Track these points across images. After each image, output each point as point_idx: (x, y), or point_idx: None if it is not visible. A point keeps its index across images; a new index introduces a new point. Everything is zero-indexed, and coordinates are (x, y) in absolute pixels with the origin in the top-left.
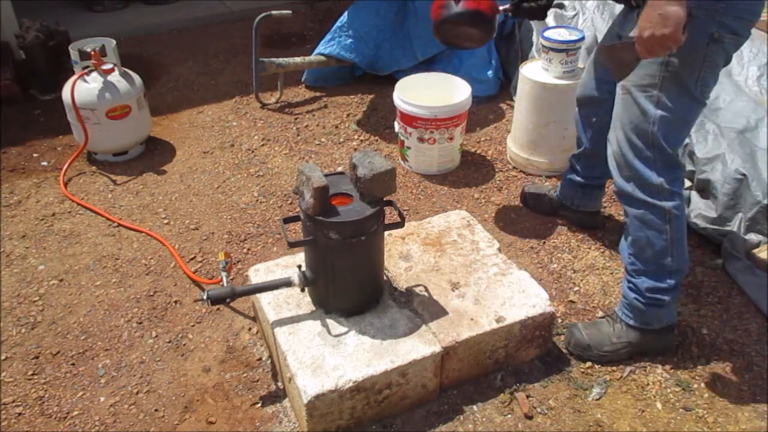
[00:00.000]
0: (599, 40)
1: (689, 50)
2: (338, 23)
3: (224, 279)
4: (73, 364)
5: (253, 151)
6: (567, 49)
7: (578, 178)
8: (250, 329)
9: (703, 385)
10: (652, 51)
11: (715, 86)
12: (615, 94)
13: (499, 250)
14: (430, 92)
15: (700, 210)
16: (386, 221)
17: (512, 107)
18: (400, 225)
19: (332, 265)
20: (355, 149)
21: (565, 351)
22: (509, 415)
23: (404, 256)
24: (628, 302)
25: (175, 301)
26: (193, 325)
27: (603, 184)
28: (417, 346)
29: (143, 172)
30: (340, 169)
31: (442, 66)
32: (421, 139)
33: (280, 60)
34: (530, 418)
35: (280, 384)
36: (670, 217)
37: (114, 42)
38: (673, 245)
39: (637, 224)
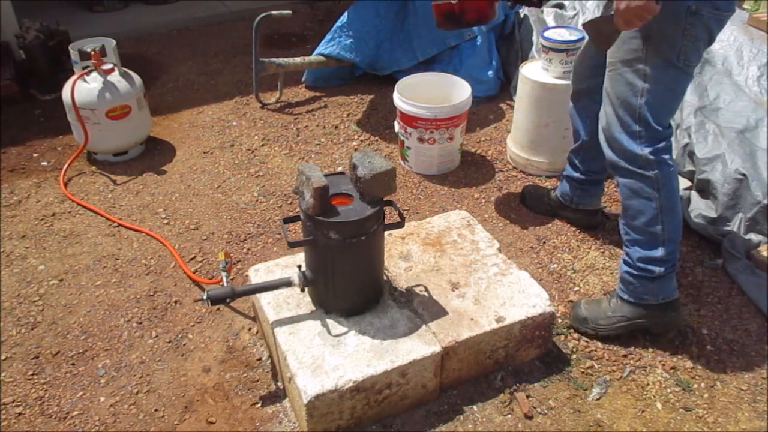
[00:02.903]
0: None
1: (668, 23)
2: (338, 23)
3: (224, 279)
4: (73, 364)
5: (253, 151)
6: (567, 49)
7: (577, 174)
8: (250, 329)
9: (703, 385)
10: (630, 22)
11: (699, 61)
12: None
13: (499, 250)
14: (430, 92)
15: (700, 210)
16: (386, 221)
17: (512, 107)
18: (400, 225)
19: (332, 265)
20: (355, 149)
21: (565, 351)
22: (509, 415)
23: (404, 256)
24: (622, 276)
25: (175, 301)
26: (193, 325)
27: (602, 179)
28: (417, 346)
29: (143, 172)
30: (340, 169)
31: (442, 66)
32: (421, 139)
33: (280, 60)
34: (530, 418)
35: (280, 384)
36: (659, 185)
37: (114, 42)
38: (663, 212)
39: (627, 192)
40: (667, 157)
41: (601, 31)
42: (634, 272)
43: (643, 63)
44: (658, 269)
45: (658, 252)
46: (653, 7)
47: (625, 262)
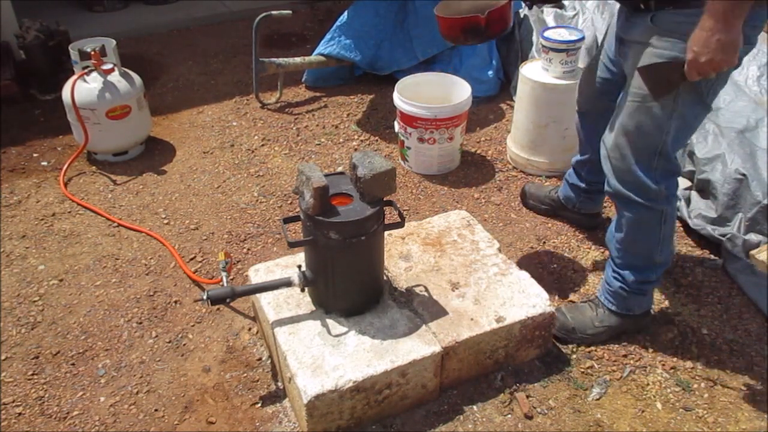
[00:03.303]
0: (600, 41)
1: None
2: (338, 23)
3: (224, 279)
4: (73, 364)
5: (253, 151)
6: (567, 49)
7: (583, 185)
8: (250, 329)
9: (703, 385)
10: (705, 74)
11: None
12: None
13: (499, 250)
14: (430, 92)
15: (700, 210)
16: (386, 221)
17: (512, 107)
18: (400, 225)
19: (332, 265)
20: (355, 149)
21: (565, 351)
22: (509, 415)
23: (404, 256)
24: (613, 290)
25: (175, 301)
26: (193, 325)
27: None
28: (417, 346)
29: (143, 172)
30: (340, 169)
31: (442, 66)
32: (421, 139)
33: (280, 60)
34: (530, 418)
35: (280, 384)
36: (665, 218)
37: (114, 42)
38: (663, 242)
39: (631, 224)
40: (675, 192)
41: (669, 79)
42: (627, 290)
43: (673, 99)
44: (650, 287)
45: (652, 275)
46: (734, 62)
47: (617, 280)
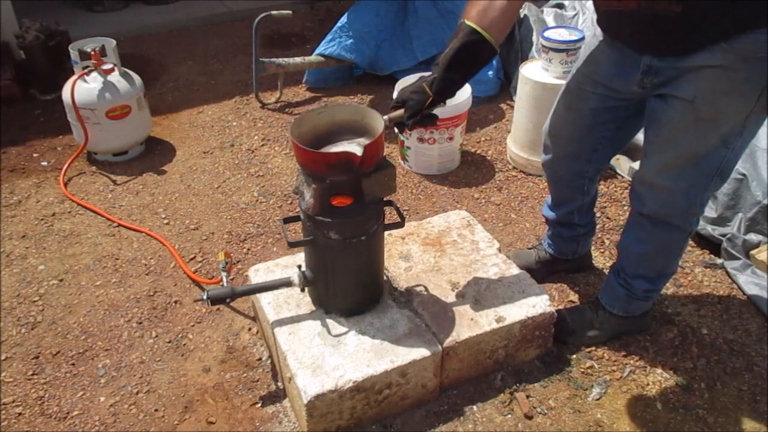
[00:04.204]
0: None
1: None
2: (339, 24)
3: (224, 279)
4: (73, 364)
5: (253, 151)
6: (567, 49)
7: (580, 230)
8: (250, 329)
9: (703, 385)
10: None
11: None
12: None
13: (499, 250)
14: None
15: None
16: (386, 221)
17: (512, 107)
18: (400, 225)
19: (332, 265)
20: None
21: (565, 351)
22: (509, 415)
23: (404, 256)
24: (617, 296)
25: (175, 301)
26: (193, 325)
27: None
28: (417, 346)
29: (143, 172)
30: None
31: None
32: (421, 139)
33: (280, 60)
34: (530, 418)
35: (280, 384)
36: (689, 237)
37: (114, 42)
38: (680, 256)
39: (657, 245)
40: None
41: None
42: (635, 297)
43: (745, 119)
44: (655, 294)
45: (660, 285)
46: None
47: (623, 286)
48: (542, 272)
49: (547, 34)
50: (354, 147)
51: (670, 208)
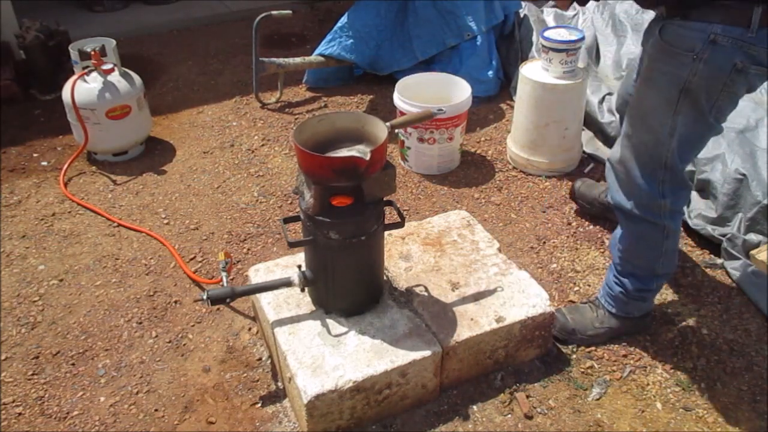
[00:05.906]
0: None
1: (711, 77)
2: (339, 24)
3: (224, 279)
4: (73, 364)
5: (253, 151)
6: (567, 49)
7: None
8: (250, 329)
9: (703, 385)
10: None
11: (731, 112)
12: None
13: (499, 250)
14: (430, 92)
15: (700, 210)
16: (386, 221)
17: (512, 107)
18: (400, 225)
19: (332, 265)
20: None
21: (565, 351)
22: (509, 415)
23: (404, 256)
24: (613, 294)
25: (175, 301)
26: (193, 325)
27: None
28: (417, 346)
29: (143, 172)
30: None
31: (442, 66)
32: (421, 139)
33: (280, 60)
34: (530, 418)
35: (280, 384)
36: (668, 233)
37: (114, 42)
38: (665, 255)
39: (633, 238)
40: (681, 208)
41: None
42: (628, 296)
43: (674, 113)
44: (650, 295)
45: (653, 284)
46: None
47: (617, 284)
48: (597, 214)
49: (547, 34)
50: (357, 151)
51: (629, 198)
